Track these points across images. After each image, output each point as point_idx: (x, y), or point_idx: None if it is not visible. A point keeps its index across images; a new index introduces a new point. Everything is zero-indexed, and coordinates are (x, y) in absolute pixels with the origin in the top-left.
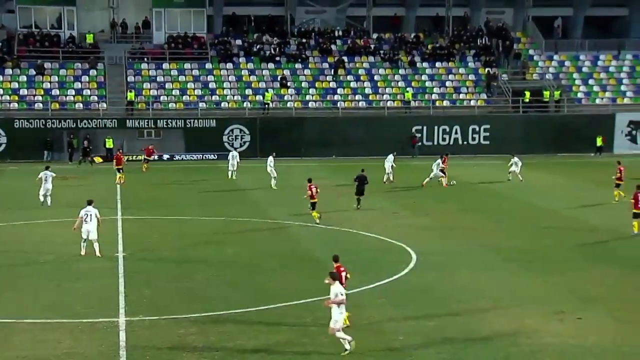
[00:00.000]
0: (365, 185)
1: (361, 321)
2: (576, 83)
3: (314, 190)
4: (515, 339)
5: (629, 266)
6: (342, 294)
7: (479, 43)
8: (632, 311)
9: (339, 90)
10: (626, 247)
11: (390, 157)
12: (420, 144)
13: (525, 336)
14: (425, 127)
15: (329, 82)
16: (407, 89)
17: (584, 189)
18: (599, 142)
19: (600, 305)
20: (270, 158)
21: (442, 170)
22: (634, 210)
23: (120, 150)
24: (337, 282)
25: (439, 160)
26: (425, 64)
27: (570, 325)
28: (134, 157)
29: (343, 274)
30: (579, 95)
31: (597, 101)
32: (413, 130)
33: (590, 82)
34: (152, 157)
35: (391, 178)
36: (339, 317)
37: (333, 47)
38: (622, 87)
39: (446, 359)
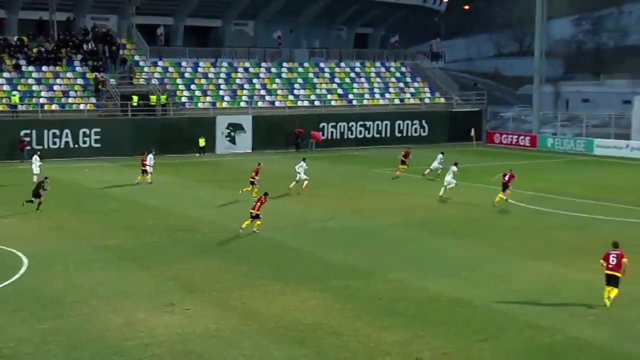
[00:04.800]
0: None
1: None
2: (180, 88)
3: None
4: (128, 334)
5: (233, 257)
6: None
7: (85, 48)
8: (235, 298)
9: None
10: (234, 242)
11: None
12: (29, 147)
13: (138, 330)
14: (34, 131)
15: None
16: (13, 92)
17: (191, 187)
18: (202, 143)
19: (207, 295)
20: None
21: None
22: (251, 211)
23: None
24: None
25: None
26: (31, 68)
27: (179, 316)
28: None
29: None
30: (183, 99)
31: (200, 105)
32: (21, 134)
33: (193, 87)
34: None
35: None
36: None
37: None
38: (221, 92)
39: None
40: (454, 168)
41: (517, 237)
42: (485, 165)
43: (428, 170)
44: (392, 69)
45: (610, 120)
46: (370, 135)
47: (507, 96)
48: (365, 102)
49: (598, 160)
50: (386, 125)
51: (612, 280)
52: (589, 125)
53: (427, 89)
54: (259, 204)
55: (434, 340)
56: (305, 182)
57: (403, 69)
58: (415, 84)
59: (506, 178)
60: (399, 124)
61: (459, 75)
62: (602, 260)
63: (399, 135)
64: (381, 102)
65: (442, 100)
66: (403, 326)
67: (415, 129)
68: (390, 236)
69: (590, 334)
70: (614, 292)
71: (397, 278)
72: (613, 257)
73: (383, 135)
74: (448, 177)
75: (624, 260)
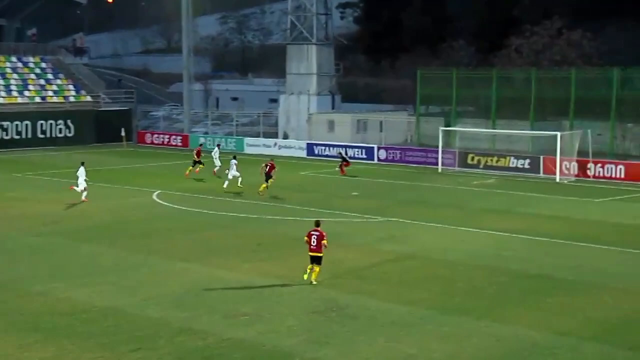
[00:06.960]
0: None
1: None
2: None
3: None
4: None
5: None
6: None
7: None
8: None
9: None
10: None
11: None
12: None
13: None
14: None
15: None
16: None
17: None
18: None
19: None
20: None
21: None
22: None
23: None
24: None
25: None
26: None
27: None
28: None
29: None
30: None
31: None
32: None
33: None
34: None
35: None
36: None
37: None
38: None
39: None
40: (234, 161)
41: (167, 239)
42: (137, 167)
43: (217, 168)
44: (31, 65)
45: (258, 119)
46: (8, 137)
47: (158, 94)
48: (1, 100)
49: (249, 159)
50: (27, 125)
51: (315, 260)
52: (239, 124)
53: (71, 87)
54: None
55: (83, 354)
56: (84, 192)
57: (43, 65)
58: (58, 81)
59: (267, 168)
60: (42, 124)
61: (105, 72)
62: (306, 238)
63: (42, 136)
64: (20, 100)
65: (89, 98)
66: (49, 342)
67: (60, 129)
68: (33, 245)
69: (241, 333)
70: (317, 269)
71: (42, 290)
72: (314, 238)
73: (24, 136)
74: (232, 172)
75: (324, 242)
